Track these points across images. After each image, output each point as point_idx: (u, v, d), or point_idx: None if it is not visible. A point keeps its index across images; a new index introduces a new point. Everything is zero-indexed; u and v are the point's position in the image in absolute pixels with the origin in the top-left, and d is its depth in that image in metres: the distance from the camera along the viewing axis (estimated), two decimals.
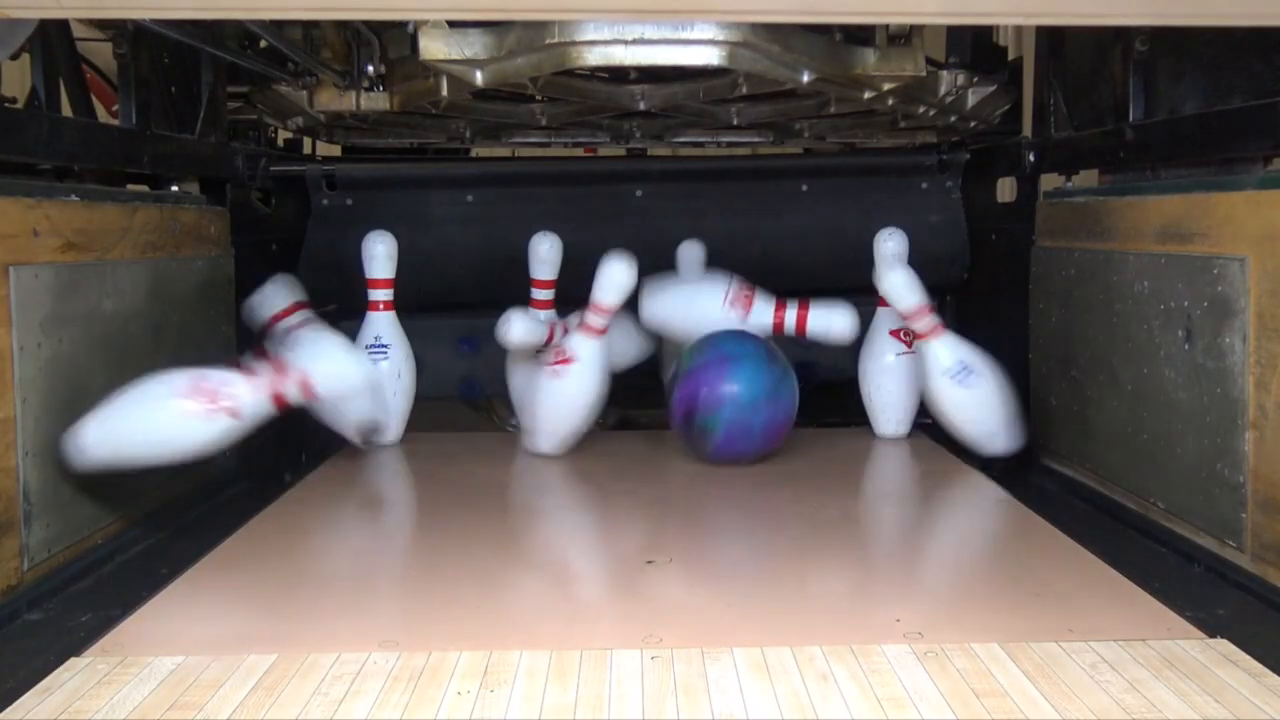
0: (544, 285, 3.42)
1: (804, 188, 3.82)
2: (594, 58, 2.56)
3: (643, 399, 3.90)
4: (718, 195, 3.85)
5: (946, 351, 2.93)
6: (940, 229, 3.77)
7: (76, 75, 2.69)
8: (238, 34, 2.92)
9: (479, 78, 2.65)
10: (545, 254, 3.40)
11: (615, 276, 2.99)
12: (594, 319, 3.02)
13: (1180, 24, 2.43)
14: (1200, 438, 2.31)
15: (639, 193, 3.83)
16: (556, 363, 3.00)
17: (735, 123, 3.43)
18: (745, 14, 2.28)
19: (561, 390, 3.01)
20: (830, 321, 3.17)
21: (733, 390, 2.93)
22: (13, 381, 2.09)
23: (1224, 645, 1.77)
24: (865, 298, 3.36)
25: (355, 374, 2.65)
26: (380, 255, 3.37)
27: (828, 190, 3.84)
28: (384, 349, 3.33)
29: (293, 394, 2.54)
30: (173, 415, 2.39)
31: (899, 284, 2.92)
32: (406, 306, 3.59)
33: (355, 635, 1.86)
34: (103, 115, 3.01)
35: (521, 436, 3.31)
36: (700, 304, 3.20)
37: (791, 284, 3.90)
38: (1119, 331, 2.66)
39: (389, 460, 3.07)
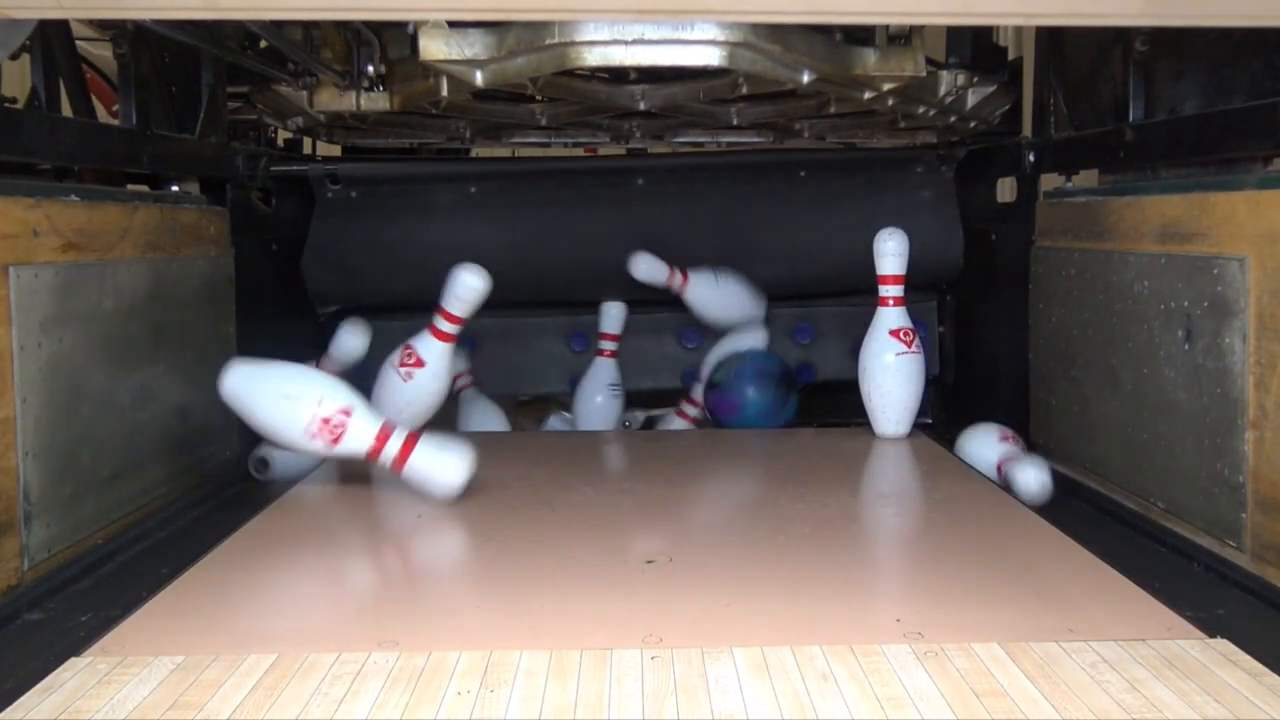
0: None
1: (802, 173, 3.83)
2: (594, 58, 2.57)
3: (662, 400, 3.92)
4: (716, 193, 3.86)
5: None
6: (937, 228, 3.77)
7: (76, 75, 2.69)
8: (238, 34, 2.92)
9: (479, 78, 2.65)
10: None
11: (468, 284, 3.16)
12: (444, 326, 3.20)
13: (1180, 24, 2.43)
14: (1200, 438, 2.31)
15: (640, 181, 3.84)
16: (405, 365, 3.16)
17: (735, 123, 3.43)
18: (745, 14, 2.28)
19: (408, 390, 3.17)
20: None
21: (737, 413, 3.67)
22: (13, 381, 2.09)
23: (1224, 645, 1.77)
24: (865, 296, 3.37)
25: (452, 483, 2.64)
26: (347, 348, 3.49)
27: (827, 190, 3.84)
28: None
29: (389, 458, 2.62)
30: (291, 422, 2.62)
31: (1040, 485, 2.81)
32: (409, 305, 3.60)
33: (355, 635, 1.86)
34: (103, 115, 3.01)
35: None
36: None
37: (791, 282, 3.91)
38: (1119, 331, 2.66)
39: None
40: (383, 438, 2.61)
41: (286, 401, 2.62)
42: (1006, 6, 2.04)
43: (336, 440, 2.58)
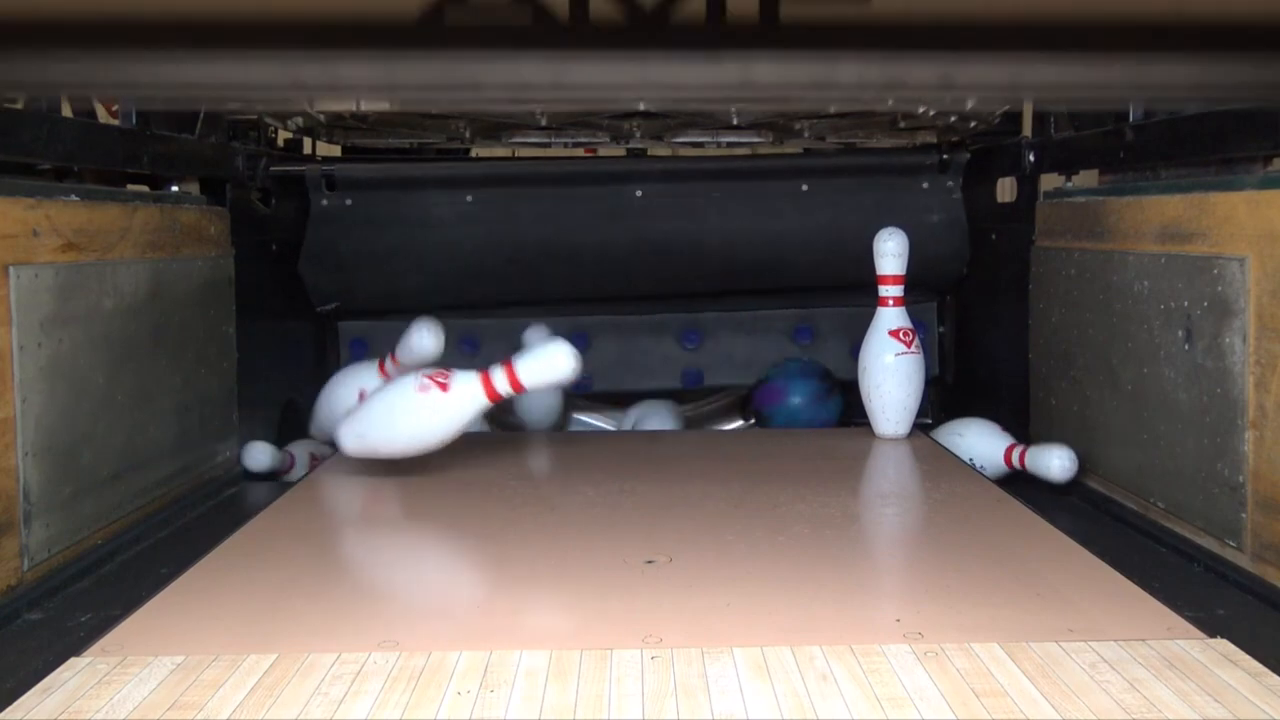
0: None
1: (804, 187, 3.83)
2: None
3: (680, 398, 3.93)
4: (717, 195, 3.86)
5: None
6: (940, 229, 3.78)
7: None
8: None
9: None
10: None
11: (422, 342, 3.17)
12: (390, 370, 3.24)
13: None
14: (1200, 438, 2.31)
15: (639, 193, 3.83)
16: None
17: (735, 122, 3.43)
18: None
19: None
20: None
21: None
22: (13, 381, 2.09)
23: (1224, 645, 1.77)
24: (865, 298, 3.36)
25: (566, 365, 2.71)
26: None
27: (828, 190, 3.84)
28: None
29: (501, 384, 2.70)
30: (403, 393, 2.74)
31: (1074, 462, 2.89)
32: (406, 307, 3.59)
33: (355, 635, 1.86)
34: (103, 115, 3.01)
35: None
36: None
37: (791, 284, 3.91)
38: (1119, 331, 2.66)
39: (388, 460, 3.07)
40: (485, 374, 2.73)
41: (388, 388, 2.79)
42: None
43: (446, 386, 2.70)
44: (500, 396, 2.73)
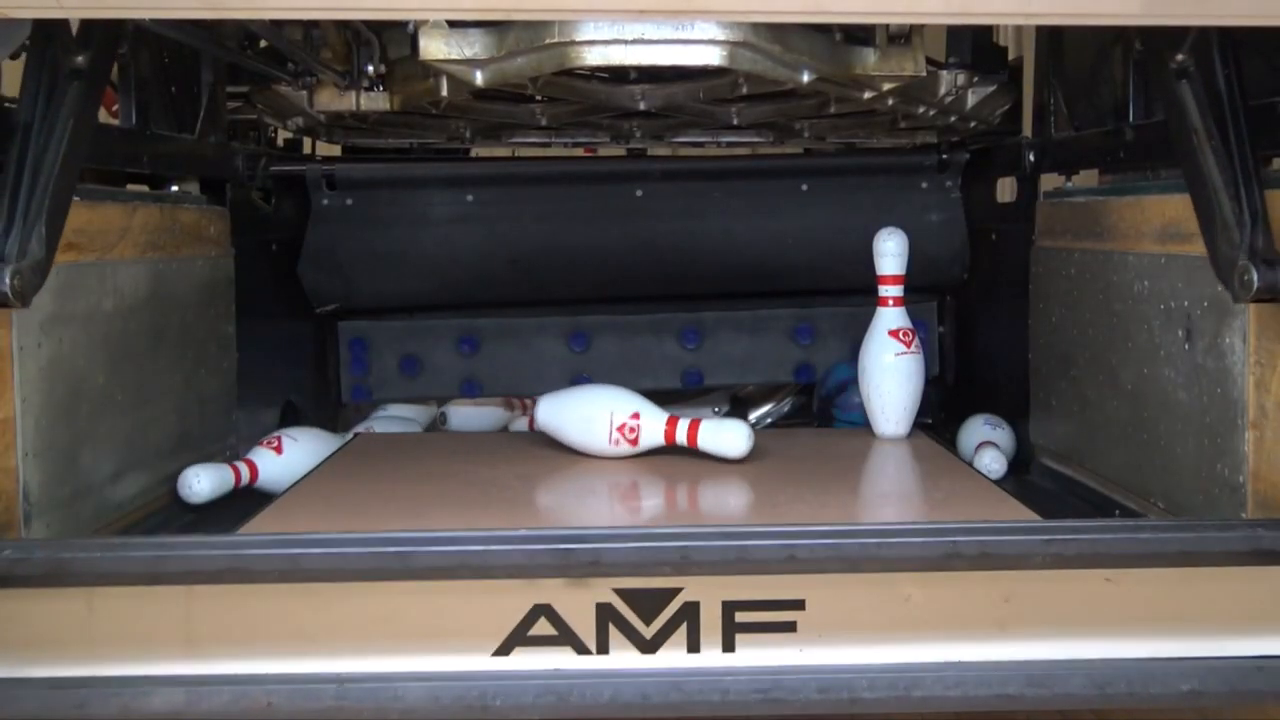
0: None
1: (804, 187, 3.83)
2: (594, 58, 2.56)
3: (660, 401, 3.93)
4: (718, 195, 3.86)
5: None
6: (940, 229, 3.78)
7: None
8: (238, 34, 2.92)
9: (479, 78, 2.65)
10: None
11: None
12: None
13: (1180, 24, 2.43)
14: (1200, 438, 2.31)
15: (639, 193, 3.84)
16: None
17: (735, 123, 3.43)
18: (745, 14, 2.27)
19: None
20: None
21: None
22: (13, 381, 2.09)
23: None
24: (865, 298, 3.37)
25: (739, 444, 2.85)
26: None
27: (828, 190, 3.85)
28: None
29: (681, 437, 2.87)
30: (596, 439, 2.91)
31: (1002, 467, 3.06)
32: (406, 307, 3.59)
33: None
34: (103, 115, 3.01)
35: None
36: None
37: (790, 284, 3.92)
38: (1119, 331, 2.66)
39: (388, 459, 3.07)
40: (670, 428, 2.87)
41: (586, 424, 2.94)
42: (1007, 6, 2.04)
43: (635, 442, 2.88)
44: (674, 442, 2.88)
